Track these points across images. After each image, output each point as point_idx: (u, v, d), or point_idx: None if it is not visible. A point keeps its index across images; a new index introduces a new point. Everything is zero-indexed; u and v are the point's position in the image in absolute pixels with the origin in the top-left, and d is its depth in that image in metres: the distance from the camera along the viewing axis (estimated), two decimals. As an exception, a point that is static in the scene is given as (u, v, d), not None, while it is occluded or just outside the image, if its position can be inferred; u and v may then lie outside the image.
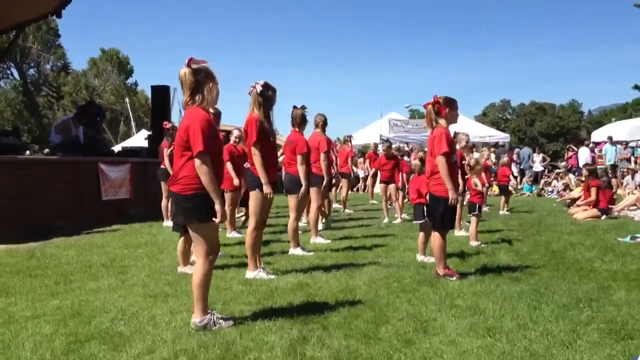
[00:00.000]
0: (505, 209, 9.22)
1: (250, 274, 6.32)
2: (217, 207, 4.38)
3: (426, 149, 8.58)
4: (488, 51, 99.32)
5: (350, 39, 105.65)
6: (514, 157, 25.01)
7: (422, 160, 7.60)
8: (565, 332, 4.28)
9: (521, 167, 24.59)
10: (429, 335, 4.29)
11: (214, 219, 4.42)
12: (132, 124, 43.82)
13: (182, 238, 6.62)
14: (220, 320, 4.52)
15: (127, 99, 47.37)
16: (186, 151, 4.40)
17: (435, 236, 6.27)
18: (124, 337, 4.31)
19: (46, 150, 13.39)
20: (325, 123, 9.20)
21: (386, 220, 12.00)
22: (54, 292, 5.79)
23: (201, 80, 4.43)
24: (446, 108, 6.16)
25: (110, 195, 12.65)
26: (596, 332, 4.26)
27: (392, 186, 12.40)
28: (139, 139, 28.88)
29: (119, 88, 54.84)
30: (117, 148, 21.82)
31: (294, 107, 7.94)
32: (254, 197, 6.38)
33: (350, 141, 15.38)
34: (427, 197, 6.60)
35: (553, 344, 4.03)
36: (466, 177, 8.90)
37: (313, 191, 8.59)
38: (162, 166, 10.97)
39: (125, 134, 49.85)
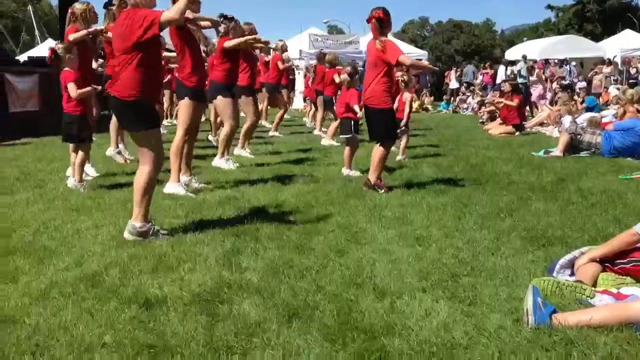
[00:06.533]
0: (404, 155, 8.60)
1: (169, 187, 6.09)
2: None
3: (354, 64, 8.55)
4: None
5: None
6: (453, 73, 25.89)
7: (350, 75, 7.51)
8: (490, 240, 4.46)
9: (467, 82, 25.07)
10: (361, 245, 4.37)
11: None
12: (36, 33, 41.19)
13: (76, 149, 6.33)
14: (160, 233, 4.47)
15: (29, 7, 44.29)
16: (125, 54, 4.25)
17: (379, 149, 6.30)
18: (49, 250, 4.17)
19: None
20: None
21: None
22: (-35, 207, 5.49)
23: None
24: (388, 20, 6.14)
25: (18, 107, 11.96)
26: (518, 239, 4.46)
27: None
28: (44, 49, 27.17)
29: (21, -6, 51.08)
30: (22, 58, 20.47)
31: (223, 15, 7.56)
32: (182, 106, 6.23)
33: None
34: (363, 111, 6.55)
35: (479, 251, 4.20)
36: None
37: (244, 102, 8.36)
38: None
39: (27, 44, 46.82)
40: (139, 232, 4.37)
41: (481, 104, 18.90)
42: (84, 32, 6.61)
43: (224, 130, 7.65)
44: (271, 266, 3.87)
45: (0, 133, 10.77)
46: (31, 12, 42.65)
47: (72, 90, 6.12)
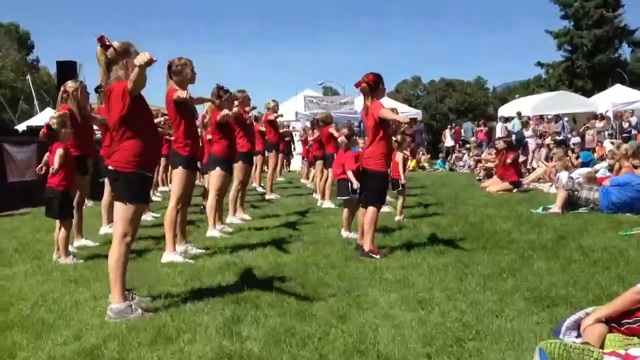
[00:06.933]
0: (401, 215, 8.74)
1: (166, 256, 6.07)
2: None
3: (350, 125, 8.63)
4: (398, 27, 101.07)
5: (257, 14, 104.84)
6: (447, 132, 26.21)
7: (347, 136, 7.58)
8: (493, 301, 4.41)
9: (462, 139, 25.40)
10: (363, 310, 4.31)
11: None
12: (35, 102, 41.69)
13: (60, 225, 6.20)
14: (138, 310, 4.27)
15: (28, 76, 45.00)
16: (117, 130, 4.31)
17: (370, 211, 6.23)
18: (47, 324, 4.10)
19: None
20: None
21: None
22: (-37, 280, 5.44)
23: (112, 58, 4.34)
24: (378, 84, 6.23)
25: (16, 177, 11.98)
26: (522, 300, 4.41)
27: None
28: (44, 117, 27.40)
29: (19, 64, 51.97)
30: (20, 127, 20.71)
31: (219, 87, 7.65)
32: (176, 175, 6.24)
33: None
34: (361, 172, 6.58)
35: (483, 313, 4.14)
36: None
37: (238, 167, 8.44)
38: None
39: (26, 113, 47.39)
40: (118, 313, 4.20)
41: (477, 161, 19.05)
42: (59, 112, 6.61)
43: (209, 202, 7.66)
44: (272, 334, 3.80)
45: (-2, 203, 10.77)
46: (30, 82, 43.26)
47: (58, 157, 6.04)
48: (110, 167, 4.38)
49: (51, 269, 5.80)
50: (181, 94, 5.82)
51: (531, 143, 19.45)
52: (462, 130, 26.98)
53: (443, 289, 4.81)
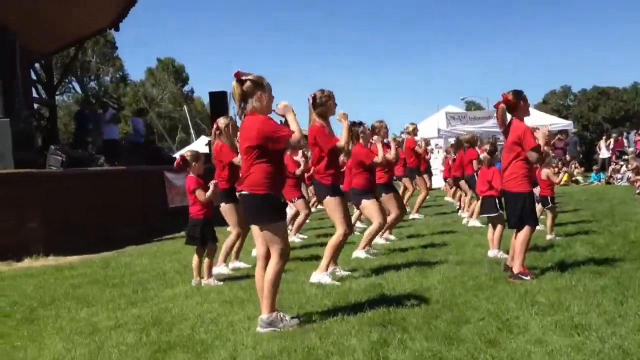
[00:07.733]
0: (552, 233, 8.35)
1: (316, 275, 6.24)
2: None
3: (492, 141, 8.40)
4: (542, 37, 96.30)
5: (396, 31, 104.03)
6: (602, 142, 24.47)
7: (490, 152, 7.39)
8: (659, 327, 4.09)
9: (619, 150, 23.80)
10: (514, 335, 4.17)
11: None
12: (191, 130, 44.63)
13: (196, 253, 6.58)
14: (287, 318, 4.63)
15: (185, 107, 48.34)
16: (246, 154, 4.62)
17: (523, 232, 5.97)
18: (205, 344, 4.37)
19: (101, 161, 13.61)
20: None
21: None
22: (132, 301, 5.94)
23: (248, 91, 4.62)
24: (519, 102, 6.02)
25: (176, 202, 12.85)
26: (692, 327, 4.05)
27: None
28: (199, 145, 29.26)
29: (176, 96, 55.99)
30: (178, 155, 22.19)
31: (353, 122, 7.72)
32: (328, 205, 6.35)
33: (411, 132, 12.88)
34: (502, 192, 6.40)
35: (647, 340, 3.85)
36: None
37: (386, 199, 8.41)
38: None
39: (184, 141, 50.84)
40: (268, 323, 4.52)
41: (637, 173, 17.72)
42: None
43: (372, 227, 7.55)
44: (420, 359, 3.78)
45: (161, 228, 11.61)
46: (186, 112, 46.44)
47: (201, 195, 6.42)
48: (243, 192, 4.64)
49: (209, 290, 6.17)
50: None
51: None
52: (625, 141, 25.01)
53: (601, 313, 4.52)
